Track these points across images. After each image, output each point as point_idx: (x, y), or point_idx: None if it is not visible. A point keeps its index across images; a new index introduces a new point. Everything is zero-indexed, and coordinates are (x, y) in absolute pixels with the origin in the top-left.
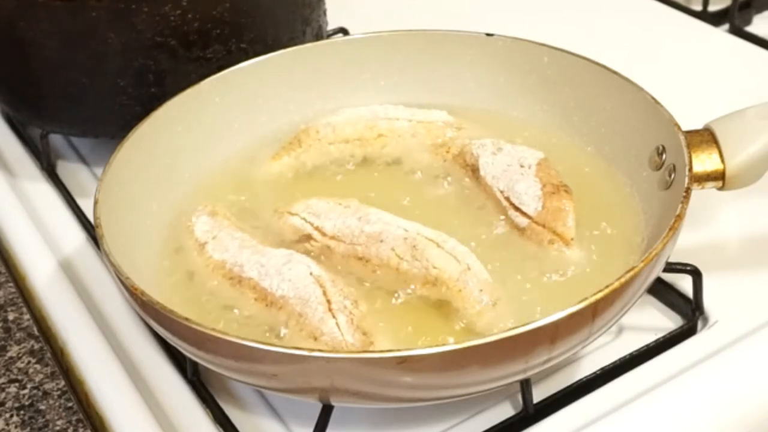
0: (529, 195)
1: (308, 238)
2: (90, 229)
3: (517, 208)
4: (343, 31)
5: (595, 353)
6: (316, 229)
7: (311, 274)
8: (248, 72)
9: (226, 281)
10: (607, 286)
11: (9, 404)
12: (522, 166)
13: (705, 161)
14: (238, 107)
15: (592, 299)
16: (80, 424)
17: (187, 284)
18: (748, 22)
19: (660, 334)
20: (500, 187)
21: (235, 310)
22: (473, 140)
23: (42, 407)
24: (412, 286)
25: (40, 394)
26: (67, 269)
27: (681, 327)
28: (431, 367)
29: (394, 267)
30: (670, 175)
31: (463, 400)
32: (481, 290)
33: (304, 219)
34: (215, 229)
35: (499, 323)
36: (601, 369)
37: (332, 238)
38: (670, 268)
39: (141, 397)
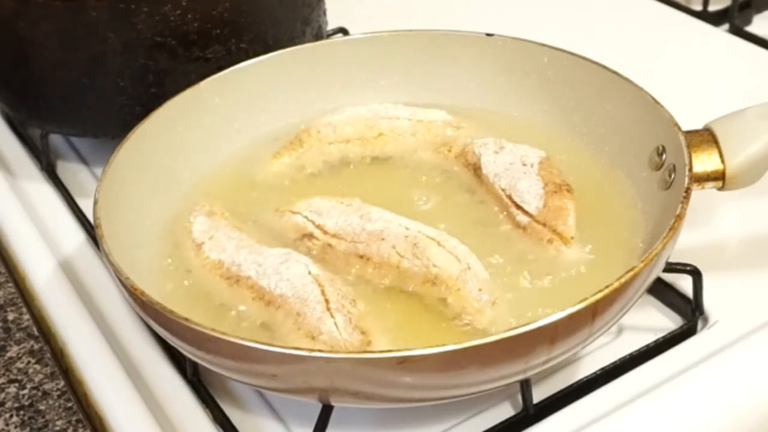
0: (531, 193)
1: (310, 236)
2: (90, 229)
3: (518, 206)
4: (343, 31)
5: (595, 353)
6: (318, 227)
7: (309, 273)
8: (248, 72)
9: (223, 281)
10: (607, 286)
11: (9, 404)
12: (524, 165)
13: (705, 161)
14: (238, 107)
15: (592, 299)
16: (80, 425)
17: (186, 284)
18: (748, 22)
19: (660, 334)
20: (502, 185)
21: (233, 310)
22: (475, 139)
23: (42, 407)
24: (411, 285)
25: (40, 394)
26: (67, 269)
27: (681, 327)
28: (431, 367)
29: (394, 265)
30: (670, 175)
31: (463, 400)
32: (480, 289)
33: (306, 217)
34: (212, 229)
35: (499, 322)
36: (601, 369)
37: (334, 236)
38: (670, 268)
39: (141, 397)
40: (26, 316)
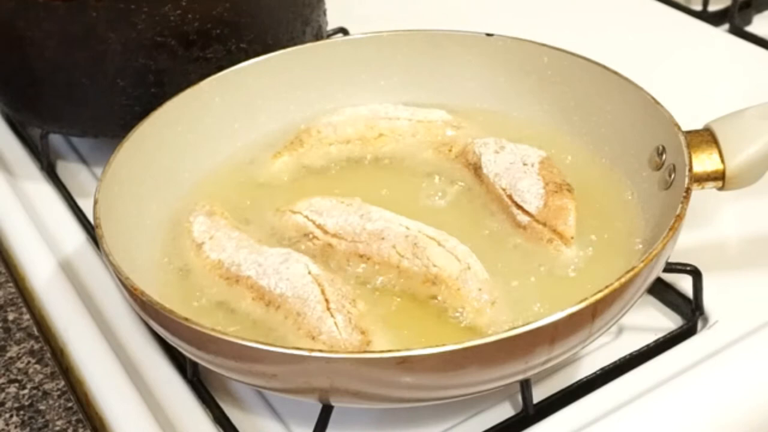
0: (531, 193)
1: (310, 236)
2: (90, 229)
3: (519, 206)
4: (343, 31)
5: (595, 353)
6: (318, 227)
7: (309, 272)
8: (248, 72)
9: (223, 281)
10: (607, 286)
11: (9, 404)
12: (525, 165)
13: (705, 161)
14: (238, 107)
15: (592, 299)
16: (80, 425)
17: (186, 284)
18: (748, 22)
19: (660, 334)
20: (503, 184)
21: (233, 310)
22: (475, 139)
23: (42, 407)
24: (411, 285)
25: (40, 394)
26: (67, 269)
27: (681, 327)
28: (431, 367)
29: (394, 265)
30: (670, 175)
31: (463, 400)
32: (480, 289)
33: (307, 217)
34: (212, 229)
35: (498, 322)
36: (601, 369)
37: (334, 235)
38: (670, 268)
39: (141, 397)
40: (26, 316)
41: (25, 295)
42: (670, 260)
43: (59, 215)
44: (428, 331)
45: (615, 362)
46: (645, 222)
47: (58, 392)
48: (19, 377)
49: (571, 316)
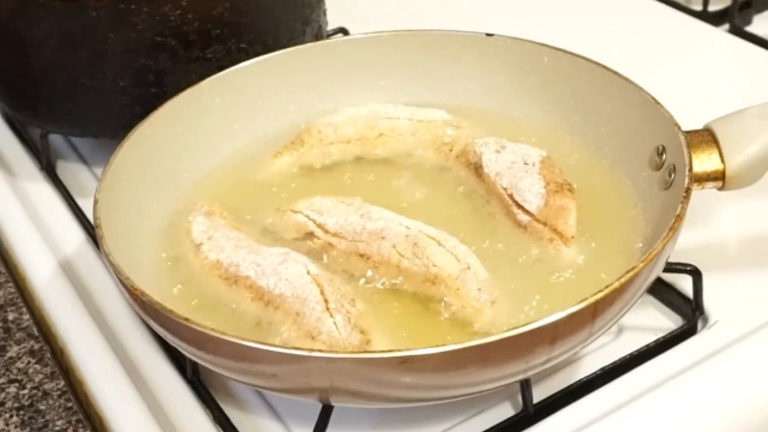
0: (532, 192)
1: (311, 235)
2: (90, 229)
3: (519, 206)
4: (343, 31)
5: (595, 353)
6: (319, 226)
7: (308, 272)
8: (248, 72)
9: (222, 281)
10: (607, 286)
11: (9, 404)
12: (526, 164)
13: (705, 161)
14: (238, 107)
15: (592, 299)
16: (80, 425)
17: (185, 284)
18: (748, 22)
19: (660, 334)
20: (503, 184)
21: (232, 311)
22: (476, 139)
23: (42, 407)
24: (411, 284)
25: (40, 394)
26: (67, 269)
27: (681, 327)
28: (431, 367)
29: (394, 264)
30: (670, 175)
31: (463, 400)
32: (479, 289)
33: (307, 216)
34: (211, 229)
35: (498, 322)
36: (601, 369)
37: (334, 235)
38: (670, 268)
39: (141, 397)
40: (26, 316)
41: (25, 295)
42: (670, 260)
43: (59, 215)
44: (428, 331)
45: (615, 362)
46: (645, 222)
47: (58, 392)
48: (19, 377)
49: (572, 316)
